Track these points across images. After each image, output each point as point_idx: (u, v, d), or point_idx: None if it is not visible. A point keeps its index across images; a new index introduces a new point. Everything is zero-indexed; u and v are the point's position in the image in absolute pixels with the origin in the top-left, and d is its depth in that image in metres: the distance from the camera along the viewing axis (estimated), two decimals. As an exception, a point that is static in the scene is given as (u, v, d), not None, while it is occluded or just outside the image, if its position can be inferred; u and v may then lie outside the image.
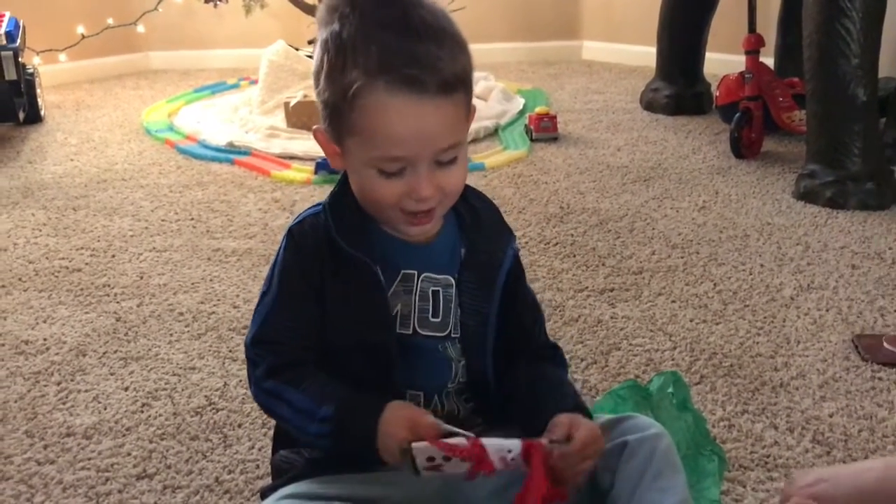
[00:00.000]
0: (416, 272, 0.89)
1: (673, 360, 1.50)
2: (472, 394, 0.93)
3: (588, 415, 0.89)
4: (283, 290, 0.89)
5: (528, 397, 0.90)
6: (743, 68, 2.74)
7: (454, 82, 0.82)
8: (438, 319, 0.90)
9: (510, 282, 0.94)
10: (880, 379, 1.44)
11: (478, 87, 3.40)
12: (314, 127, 0.89)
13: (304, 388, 0.86)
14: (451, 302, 0.91)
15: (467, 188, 0.92)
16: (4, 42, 3.08)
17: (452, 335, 0.91)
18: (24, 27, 3.31)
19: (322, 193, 2.55)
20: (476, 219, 0.93)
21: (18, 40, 3.17)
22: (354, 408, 0.84)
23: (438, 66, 0.80)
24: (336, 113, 0.84)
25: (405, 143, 0.81)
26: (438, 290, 0.90)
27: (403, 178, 0.83)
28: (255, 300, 1.79)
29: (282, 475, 0.92)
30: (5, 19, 3.18)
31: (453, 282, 0.91)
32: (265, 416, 1.34)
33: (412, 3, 0.82)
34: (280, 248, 0.90)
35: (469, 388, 0.93)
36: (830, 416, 1.33)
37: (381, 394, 0.86)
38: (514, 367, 0.93)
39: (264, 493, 0.91)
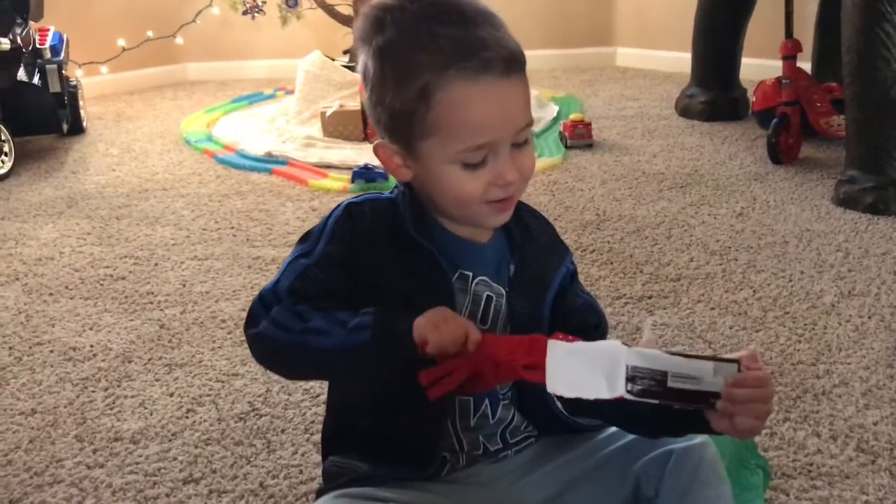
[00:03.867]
0: (471, 274, 0.88)
1: (713, 367, 1.50)
2: (523, 404, 0.92)
3: None
4: (327, 254, 0.85)
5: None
6: (780, 73, 2.72)
7: (520, 59, 0.83)
8: (486, 326, 0.88)
9: (559, 299, 0.93)
10: (925, 387, 1.42)
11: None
12: (375, 142, 0.88)
13: (341, 311, 0.82)
14: (501, 312, 0.89)
15: (521, 205, 0.91)
16: (49, 56, 3.16)
17: None
18: (67, 41, 3.39)
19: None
20: (527, 237, 0.92)
21: (62, 54, 3.25)
22: (395, 309, 0.81)
23: (504, 45, 0.81)
24: (407, 120, 0.83)
25: (490, 127, 0.82)
26: (492, 297, 0.89)
27: (486, 166, 0.83)
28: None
29: (334, 480, 0.92)
30: (50, 34, 3.26)
31: (505, 293, 0.89)
32: (307, 421, 1.37)
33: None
34: (330, 216, 0.88)
35: (520, 397, 0.92)
36: (875, 424, 1.32)
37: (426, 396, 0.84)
38: None
39: (319, 494, 0.91)
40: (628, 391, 0.76)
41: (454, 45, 0.80)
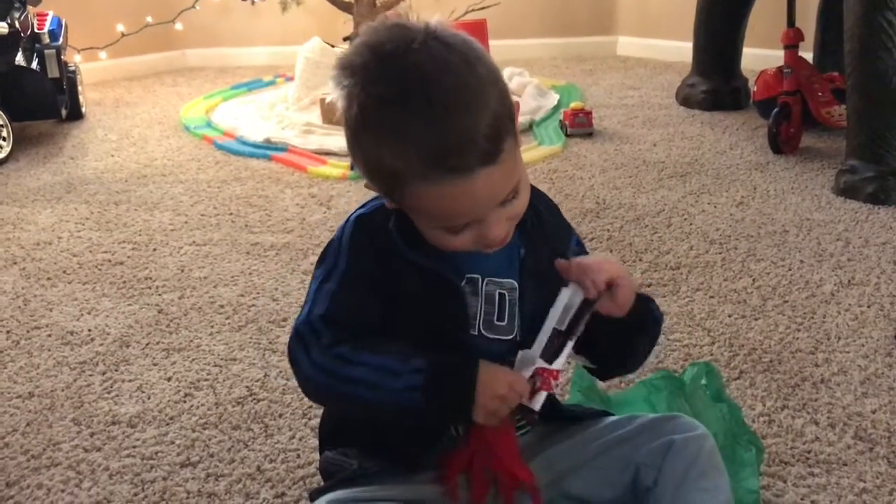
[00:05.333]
0: (479, 276, 0.87)
1: (711, 355, 1.50)
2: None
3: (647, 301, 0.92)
4: (351, 271, 0.85)
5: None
6: (781, 63, 2.71)
7: (495, 145, 0.76)
8: (504, 323, 0.88)
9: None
10: (924, 376, 1.42)
11: (512, 83, 3.40)
12: (364, 184, 0.85)
13: (384, 351, 0.82)
14: (516, 306, 0.89)
15: (531, 188, 0.88)
16: (48, 40, 3.15)
17: (518, 340, 0.89)
18: (66, 26, 3.37)
19: (357, 188, 2.58)
20: (539, 222, 0.90)
21: (61, 39, 3.24)
22: (448, 361, 0.81)
23: (475, 139, 0.75)
24: (383, 187, 0.82)
25: (464, 214, 0.79)
26: (504, 294, 0.88)
27: (471, 227, 0.81)
28: (294, 293, 1.81)
29: (330, 478, 0.92)
30: (48, 18, 3.24)
31: (517, 285, 0.89)
32: (305, 405, 1.36)
33: (428, 72, 0.75)
34: (343, 232, 0.88)
35: None
36: (873, 412, 1.32)
37: None
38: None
39: (313, 496, 0.91)
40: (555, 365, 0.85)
41: (419, 151, 0.75)
